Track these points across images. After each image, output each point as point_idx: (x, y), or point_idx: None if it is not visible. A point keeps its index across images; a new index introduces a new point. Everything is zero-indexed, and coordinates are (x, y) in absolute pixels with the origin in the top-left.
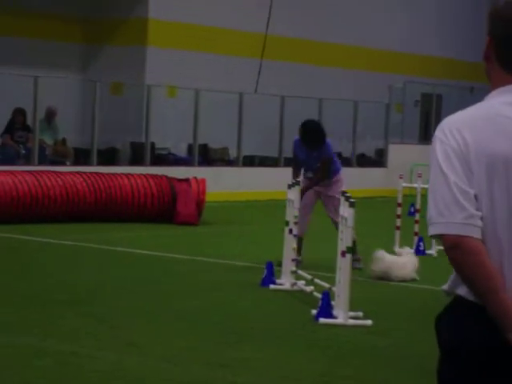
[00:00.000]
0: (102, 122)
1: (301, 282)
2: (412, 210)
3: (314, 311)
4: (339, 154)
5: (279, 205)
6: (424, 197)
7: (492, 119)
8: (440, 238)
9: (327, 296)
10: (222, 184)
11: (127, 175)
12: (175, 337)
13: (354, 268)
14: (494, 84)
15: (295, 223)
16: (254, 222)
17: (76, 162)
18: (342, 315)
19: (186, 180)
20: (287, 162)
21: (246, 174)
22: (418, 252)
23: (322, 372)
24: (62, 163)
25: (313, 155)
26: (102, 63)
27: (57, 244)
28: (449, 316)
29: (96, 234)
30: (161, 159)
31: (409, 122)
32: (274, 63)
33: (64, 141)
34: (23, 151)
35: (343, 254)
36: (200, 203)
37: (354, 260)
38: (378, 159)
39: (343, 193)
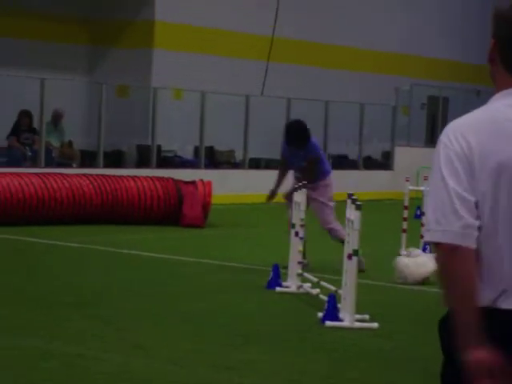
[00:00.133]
0: (108, 124)
1: (307, 285)
2: (418, 212)
3: (320, 314)
4: (345, 157)
5: (285, 207)
6: None
7: (498, 123)
8: (435, 244)
9: (333, 299)
10: (228, 186)
11: (133, 177)
12: (181, 339)
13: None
14: (498, 86)
15: (301, 226)
16: (260, 225)
17: (82, 165)
18: (348, 318)
19: (192, 182)
20: None
21: (252, 176)
22: None
23: (327, 375)
24: (69, 165)
25: (299, 155)
26: (109, 65)
27: (63, 246)
28: (451, 320)
29: (102, 236)
30: (167, 162)
31: (415, 124)
32: (280, 65)
33: (70, 143)
34: (29, 153)
35: (349, 256)
36: (206, 206)
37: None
38: (384, 162)
39: (349, 195)
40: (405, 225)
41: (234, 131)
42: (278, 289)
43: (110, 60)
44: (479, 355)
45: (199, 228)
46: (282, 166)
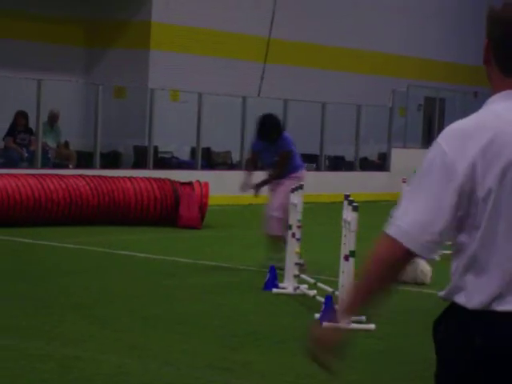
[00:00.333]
0: (104, 125)
1: (304, 286)
2: None
3: (317, 315)
4: (342, 158)
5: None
6: None
7: (496, 127)
8: (390, 238)
9: (330, 300)
10: (225, 187)
11: (130, 179)
12: (178, 340)
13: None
14: (494, 88)
15: (298, 227)
16: (257, 226)
17: (79, 165)
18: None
19: (189, 183)
20: None
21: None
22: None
23: (324, 376)
24: (65, 166)
25: (272, 150)
26: (105, 66)
27: (60, 247)
28: (446, 323)
29: (99, 237)
30: (164, 163)
31: (412, 125)
32: (277, 67)
33: (67, 144)
34: (26, 154)
35: (346, 257)
36: (203, 207)
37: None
38: (380, 163)
39: (346, 196)
40: None
41: (230, 132)
42: (274, 290)
43: (107, 61)
44: (327, 331)
45: (196, 229)
46: (250, 162)
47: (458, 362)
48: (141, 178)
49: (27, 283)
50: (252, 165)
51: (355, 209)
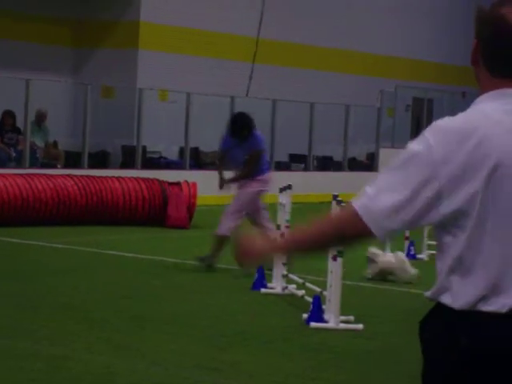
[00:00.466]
0: (93, 125)
1: (292, 286)
2: None
3: (305, 315)
4: (330, 158)
5: (270, 208)
6: None
7: (483, 127)
8: (353, 209)
9: (318, 300)
10: (213, 188)
11: (118, 178)
12: (166, 340)
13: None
14: (482, 88)
15: (287, 227)
16: (245, 226)
17: (67, 165)
18: (333, 319)
19: (177, 183)
20: (278, 166)
21: None
22: (409, 256)
23: (312, 376)
24: (53, 166)
25: (242, 148)
26: (94, 66)
27: (48, 247)
28: (432, 323)
29: (87, 237)
30: (152, 163)
31: (400, 126)
32: (265, 67)
33: (55, 144)
34: (14, 154)
35: (334, 257)
36: (191, 207)
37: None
38: (369, 163)
39: (334, 197)
40: None
41: (219, 132)
42: (262, 290)
43: (95, 61)
44: (254, 243)
45: (184, 229)
46: (220, 160)
47: (445, 362)
48: (129, 178)
49: (15, 283)
50: (223, 163)
51: None
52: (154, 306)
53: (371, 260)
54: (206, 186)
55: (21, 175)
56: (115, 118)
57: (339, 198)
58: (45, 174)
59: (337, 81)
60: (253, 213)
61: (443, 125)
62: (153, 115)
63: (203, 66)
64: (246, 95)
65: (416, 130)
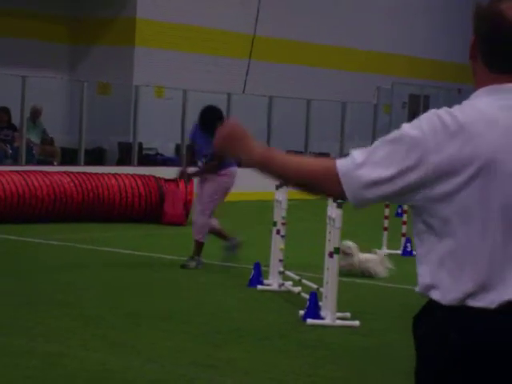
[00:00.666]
0: (89, 121)
1: (288, 283)
2: (399, 211)
3: (302, 312)
4: (327, 155)
5: (267, 205)
6: None
7: (476, 124)
8: (336, 170)
9: (315, 297)
10: None
11: (115, 175)
12: (162, 337)
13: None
14: (478, 83)
15: (283, 224)
16: (242, 223)
17: (63, 162)
18: (329, 316)
19: (174, 180)
20: None
21: None
22: (406, 253)
23: (309, 373)
24: (50, 163)
25: (210, 140)
26: (90, 63)
27: (44, 244)
28: (424, 319)
29: (83, 234)
30: (148, 159)
31: (396, 122)
32: (262, 64)
33: (51, 140)
34: (10, 151)
35: (331, 254)
36: (187, 203)
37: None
38: None
39: None
40: (386, 223)
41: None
42: (259, 287)
43: (92, 58)
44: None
45: (180, 226)
46: (188, 151)
47: (437, 359)
48: (125, 175)
49: (10, 280)
50: (190, 153)
51: (340, 206)
52: (149, 303)
53: (345, 254)
54: None
55: (17, 172)
56: (111, 115)
57: None
58: (41, 171)
59: (333, 77)
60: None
61: (439, 114)
62: (149, 112)
63: (199, 63)
64: (243, 92)
65: None
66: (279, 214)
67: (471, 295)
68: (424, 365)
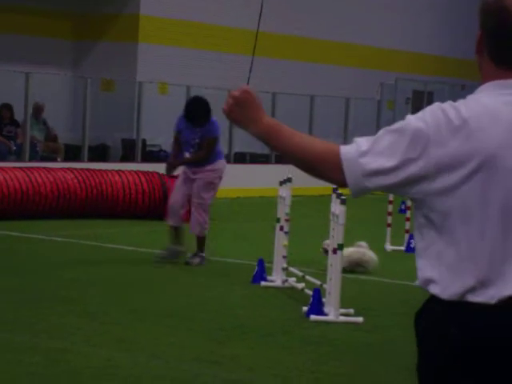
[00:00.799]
0: (93, 118)
1: (292, 279)
2: (403, 207)
3: (305, 308)
4: None
5: (270, 202)
6: None
7: (480, 118)
8: (339, 156)
9: (318, 293)
10: None
11: (118, 172)
12: (166, 333)
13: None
14: (484, 78)
15: (286, 220)
16: (245, 219)
17: (67, 159)
18: (333, 312)
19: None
20: (278, 159)
21: (237, 170)
22: (409, 249)
23: (312, 369)
24: (53, 159)
25: (195, 131)
26: (94, 59)
27: (47, 240)
28: (425, 315)
29: (87, 231)
30: (152, 156)
31: (400, 118)
32: (265, 60)
33: (55, 137)
34: (14, 147)
35: (334, 250)
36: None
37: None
38: None
39: (334, 190)
40: (389, 219)
41: (219, 125)
42: (262, 283)
43: (95, 54)
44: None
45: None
46: (176, 144)
47: (437, 355)
48: (129, 171)
49: (14, 276)
50: (177, 145)
51: (343, 202)
52: (153, 300)
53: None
54: None
55: (21, 169)
56: (115, 112)
57: (339, 191)
58: (45, 168)
59: (337, 74)
60: (181, 195)
61: (443, 108)
62: (153, 108)
63: (203, 59)
64: None
65: None
66: (283, 211)
67: (471, 290)
68: (425, 361)
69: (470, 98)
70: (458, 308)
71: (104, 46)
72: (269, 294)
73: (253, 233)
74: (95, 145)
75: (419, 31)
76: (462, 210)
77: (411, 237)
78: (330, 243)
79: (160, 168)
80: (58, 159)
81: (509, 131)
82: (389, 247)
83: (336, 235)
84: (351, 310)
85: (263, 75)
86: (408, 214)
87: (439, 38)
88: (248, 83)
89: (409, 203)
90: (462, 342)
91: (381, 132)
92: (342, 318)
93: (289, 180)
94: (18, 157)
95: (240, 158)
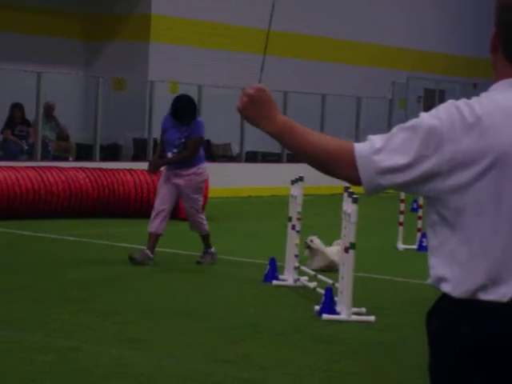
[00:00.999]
0: (104, 117)
1: (304, 278)
2: (415, 206)
3: (317, 307)
4: None
5: (282, 201)
6: None
7: (493, 115)
8: (353, 154)
9: (330, 292)
10: (225, 180)
11: (130, 171)
12: (178, 332)
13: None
14: (498, 76)
15: (298, 219)
16: (257, 218)
17: (79, 158)
18: (345, 311)
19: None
20: (290, 158)
21: (248, 169)
22: (421, 248)
23: (324, 368)
24: (65, 159)
25: (181, 131)
26: (105, 59)
27: (59, 239)
28: (436, 314)
29: (98, 230)
30: (164, 155)
31: (412, 117)
32: (276, 59)
33: (67, 136)
34: (26, 147)
35: (346, 249)
36: (203, 199)
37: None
38: None
39: (346, 188)
40: (401, 218)
41: (230, 125)
42: (274, 282)
43: (107, 53)
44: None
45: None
46: (161, 144)
47: (449, 353)
48: (141, 171)
49: (27, 275)
50: (162, 145)
51: (355, 201)
52: (165, 298)
53: (314, 250)
54: (218, 178)
55: (33, 168)
56: (127, 111)
57: (351, 190)
58: (56, 167)
59: (348, 72)
60: (162, 201)
61: (458, 105)
62: (164, 108)
63: (214, 58)
64: None
65: None
66: (294, 209)
67: (482, 288)
68: (437, 359)
69: (484, 95)
70: (470, 306)
71: (115, 46)
72: (281, 292)
73: (264, 232)
74: (107, 144)
75: (430, 30)
76: (475, 207)
77: (423, 235)
78: (341, 242)
79: None
80: (70, 159)
81: None
82: (401, 246)
83: (348, 234)
84: (363, 309)
85: (274, 74)
86: (420, 212)
87: (450, 36)
88: (260, 82)
89: (421, 202)
90: (473, 341)
91: (394, 129)
92: (354, 317)
93: (300, 179)
94: (30, 156)
95: (252, 157)
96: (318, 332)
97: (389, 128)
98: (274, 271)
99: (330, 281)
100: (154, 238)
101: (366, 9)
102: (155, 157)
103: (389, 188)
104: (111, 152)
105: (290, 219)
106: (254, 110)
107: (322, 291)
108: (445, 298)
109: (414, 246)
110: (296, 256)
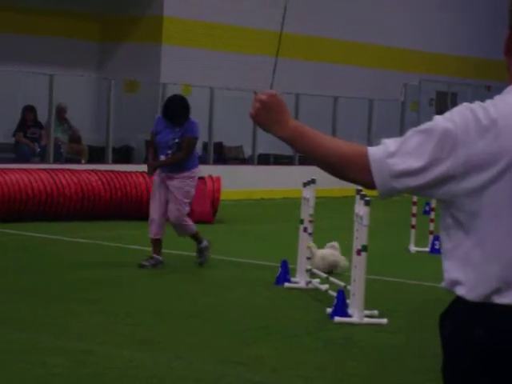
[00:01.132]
0: (116, 119)
1: (316, 281)
2: (427, 208)
3: (329, 309)
4: None
5: (294, 203)
6: None
7: (506, 118)
8: (367, 157)
9: (342, 294)
10: (237, 182)
11: (142, 173)
12: (189, 334)
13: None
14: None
15: (310, 221)
16: (269, 220)
17: (91, 160)
18: (357, 314)
19: (201, 178)
20: (302, 161)
21: (260, 172)
22: (434, 251)
23: (336, 370)
24: (77, 161)
25: (177, 133)
26: (117, 61)
27: (71, 242)
28: (450, 317)
29: (111, 232)
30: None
31: (424, 120)
32: (289, 61)
33: (79, 139)
34: (38, 149)
35: (358, 252)
36: (215, 201)
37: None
38: None
39: (358, 191)
40: (413, 221)
41: (242, 127)
42: (286, 284)
43: (119, 55)
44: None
45: (208, 224)
46: (152, 143)
47: (462, 357)
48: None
49: (39, 277)
50: (153, 147)
51: (367, 203)
52: (177, 301)
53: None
54: (230, 180)
55: (45, 170)
56: (139, 113)
57: (363, 193)
58: (69, 169)
59: (360, 75)
60: (159, 206)
61: (472, 108)
62: None
63: (227, 61)
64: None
65: None
66: (306, 212)
67: (497, 291)
68: (450, 362)
69: (498, 98)
70: (484, 310)
71: (128, 48)
72: (293, 295)
73: (276, 234)
74: (119, 146)
75: (441, 32)
76: (490, 209)
77: (436, 238)
78: (354, 244)
79: None
80: (82, 161)
81: None
82: (413, 249)
83: (360, 236)
84: (375, 312)
85: (286, 76)
86: (432, 215)
87: (462, 38)
88: (272, 86)
89: (433, 204)
90: (488, 345)
91: (409, 133)
92: (366, 320)
93: (312, 181)
94: (42, 158)
95: (264, 160)
96: (330, 334)
97: (401, 130)
98: (285, 273)
99: (342, 283)
100: (156, 243)
101: (379, 11)
102: (150, 159)
103: (403, 192)
104: (123, 154)
105: (301, 221)
106: (266, 115)
107: (334, 294)
108: (459, 300)
109: (427, 249)
110: (308, 258)
